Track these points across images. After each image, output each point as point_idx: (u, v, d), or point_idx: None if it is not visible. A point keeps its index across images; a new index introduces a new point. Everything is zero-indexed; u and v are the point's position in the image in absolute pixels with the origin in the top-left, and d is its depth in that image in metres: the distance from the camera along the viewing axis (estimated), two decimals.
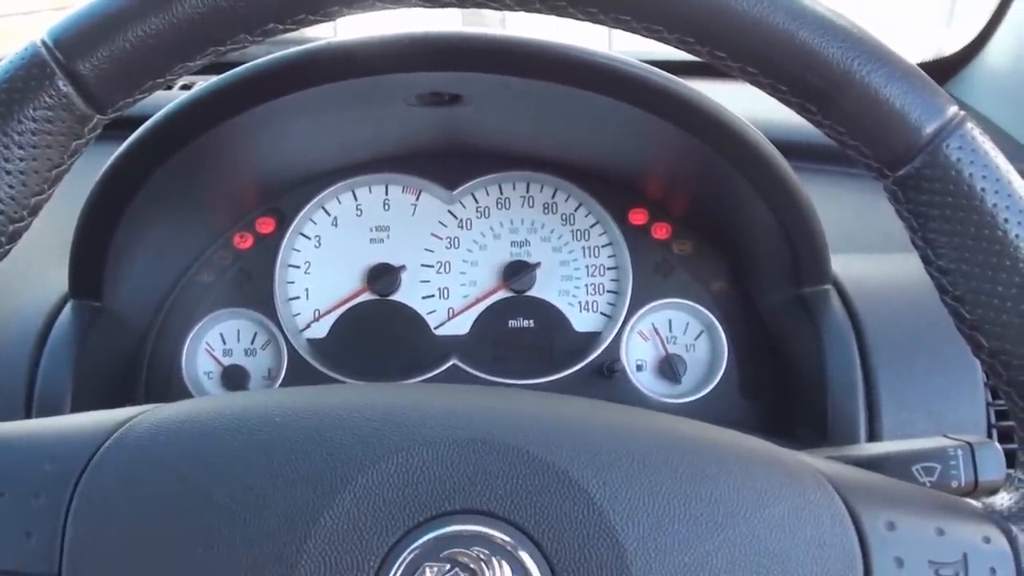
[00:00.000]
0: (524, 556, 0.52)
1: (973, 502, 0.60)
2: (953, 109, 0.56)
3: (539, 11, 0.58)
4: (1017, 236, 0.55)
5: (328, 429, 0.56)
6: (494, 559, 0.52)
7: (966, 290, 0.57)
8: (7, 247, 0.59)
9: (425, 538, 0.52)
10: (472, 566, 0.52)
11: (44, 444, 0.57)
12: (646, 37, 0.59)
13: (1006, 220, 0.55)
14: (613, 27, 0.59)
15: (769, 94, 0.59)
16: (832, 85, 0.56)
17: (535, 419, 0.57)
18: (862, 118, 0.56)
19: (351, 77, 0.92)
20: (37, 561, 0.54)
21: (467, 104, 1.03)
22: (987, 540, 0.56)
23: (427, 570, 0.52)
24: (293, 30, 0.58)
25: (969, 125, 0.56)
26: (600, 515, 0.53)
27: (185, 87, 1.31)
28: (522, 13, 0.60)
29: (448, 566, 0.52)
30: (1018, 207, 0.56)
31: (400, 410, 0.57)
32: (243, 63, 0.93)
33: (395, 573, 0.52)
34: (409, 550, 0.52)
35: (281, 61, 0.92)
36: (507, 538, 0.53)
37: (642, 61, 0.94)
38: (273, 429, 0.56)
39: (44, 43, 0.55)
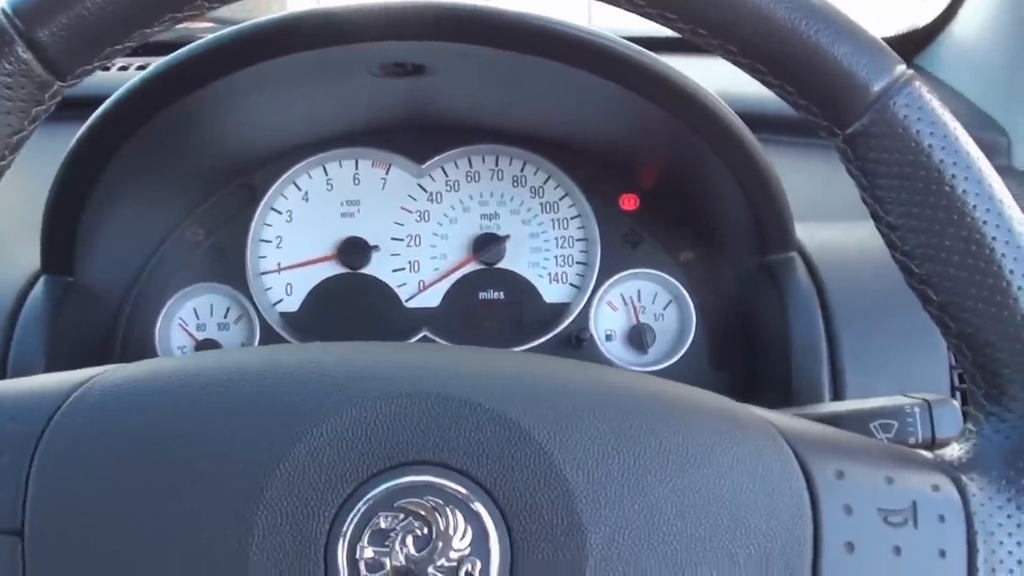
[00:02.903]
0: (477, 505, 0.53)
1: (924, 452, 0.61)
2: (900, 68, 0.57)
3: None
4: (964, 191, 0.56)
5: (282, 385, 0.57)
6: (447, 508, 0.53)
7: (915, 245, 0.58)
8: None
9: (379, 489, 0.53)
10: (425, 515, 0.53)
11: (6, 404, 0.58)
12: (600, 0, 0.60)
13: (953, 176, 0.57)
14: None
15: (720, 55, 0.60)
16: (780, 46, 0.57)
17: (487, 373, 0.58)
18: (811, 78, 0.57)
19: (312, 48, 0.93)
20: (0, 517, 0.54)
21: (431, 75, 1.03)
22: (936, 488, 0.57)
23: (381, 520, 0.53)
24: None
25: (916, 83, 0.57)
26: (551, 465, 0.54)
27: (141, 68, 1.33)
28: None
29: (402, 515, 0.53)
30: (964, 163, 0.57)
31: (354, 366, 0.58)
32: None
33: (350, 523, 0.53)
34: (363, 500, 0.53)
35: (243, 32, 0.92)
36: (460, 488, 0.54)
37: (609, 34, 0.95)
38: (229, 386, 0.57)
39: (3, 11, 0.56)
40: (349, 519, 0.53)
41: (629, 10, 0.59)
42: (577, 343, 1.15)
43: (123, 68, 1.36)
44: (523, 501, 0.54)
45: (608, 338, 1.18)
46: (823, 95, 0.58)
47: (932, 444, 0.73)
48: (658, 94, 0.98)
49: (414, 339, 1.16)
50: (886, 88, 0.57)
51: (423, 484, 0.54)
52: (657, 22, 0.59)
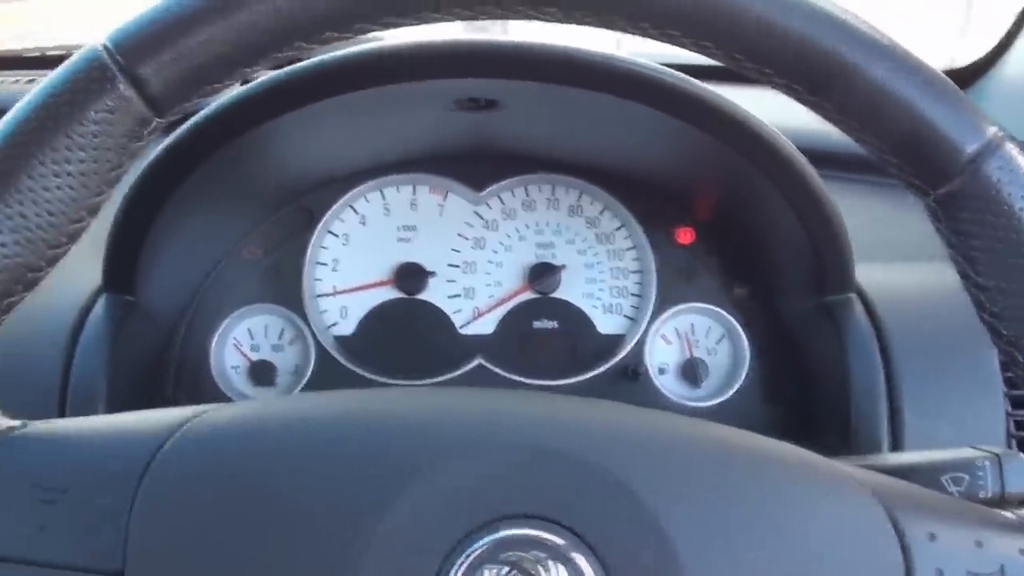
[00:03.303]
0: (579, 559, 0.54)
1: (1008, 514, 0.61)
2: (993, 130, 0.57)
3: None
4: None
5: (387, 433, 0.57)
6: (550, 562, 0.53)
7: (1004, 307, 0.59)
8: (67, 246, 0.60)
9: (484, 541, 0.54)
10: (529, 569, 0.53)
11: (107, 442, 0.58)
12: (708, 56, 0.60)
13: None
14: (636, 34, 0.60)
15: (809, 108, 0.60)
16: (875, 105, 0.57)
17: (590, 426, 0.59)
18: (904, 137, 0.58)
19: (399, 81, 0.93)
20: (101, 558, 0.55)
21: (502, 109, 1.04)
22: (1023, 552, 0.58)
23: (486, 572, 0.53)
24: (348, 38, 0.60)
25: (1009, 146, 0.58)
26: (653, 521, 0.54)
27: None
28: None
29: (507, 568, 0.53)
30: None
31: (459, 415, 0.59)
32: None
33: (456, 575, 0.53)
34: (467, 553, 0.53)
35: (329, 63, 0.93)
36: (562, 541, 0.54)
37: (675, 71, 0.96)
38: (334, 432, 0.57)
39: (105, 47, 0.56)
40: (455, 571, 0.53)
41: (735, 68, 0.59)
42: (633, 376, 1.15)
43: None
44: (625, 557, 0.54)
45: (661, 371, 1.18)
46: (916, 155, 0.58)
47: (1002, 498, 0.73)
48: (722, 129, 0.98)
49: (468, 366, 1.16)
50: (980, 150, 0.57)
51: (527, 538, 0.54)
52: (752, 76, 0.59)
